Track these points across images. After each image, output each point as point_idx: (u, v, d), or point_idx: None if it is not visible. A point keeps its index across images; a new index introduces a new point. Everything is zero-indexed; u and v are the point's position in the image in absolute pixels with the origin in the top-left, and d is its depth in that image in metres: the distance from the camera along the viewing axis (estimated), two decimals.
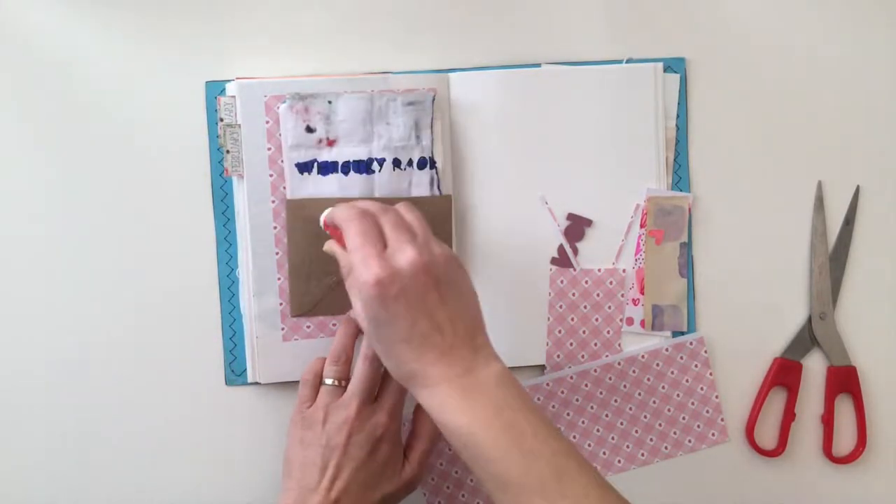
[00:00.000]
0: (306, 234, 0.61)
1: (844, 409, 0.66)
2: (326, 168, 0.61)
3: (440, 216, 0.62)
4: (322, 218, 0.56)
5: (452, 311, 0.50)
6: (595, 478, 0.48)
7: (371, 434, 0.55)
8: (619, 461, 0.65)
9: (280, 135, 0.60)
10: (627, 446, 0.65)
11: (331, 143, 0.61)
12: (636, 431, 0.65)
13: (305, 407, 0.57)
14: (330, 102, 0.60)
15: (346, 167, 0.61)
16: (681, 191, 0.65)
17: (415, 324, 0.49)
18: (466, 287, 0.52)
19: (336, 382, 0.57)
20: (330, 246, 0.56)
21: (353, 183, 0.61)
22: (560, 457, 0.47)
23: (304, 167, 0.61)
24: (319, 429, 0.55)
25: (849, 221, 0.66)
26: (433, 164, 0.61)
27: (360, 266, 0.49)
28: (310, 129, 0.60)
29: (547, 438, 0.48)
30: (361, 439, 0.55)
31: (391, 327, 0.49)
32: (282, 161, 0.60)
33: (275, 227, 0.61)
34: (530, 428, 0.48)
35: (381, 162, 0.61)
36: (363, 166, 0.61)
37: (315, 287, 0.61)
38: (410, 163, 0.61)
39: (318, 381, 0.58)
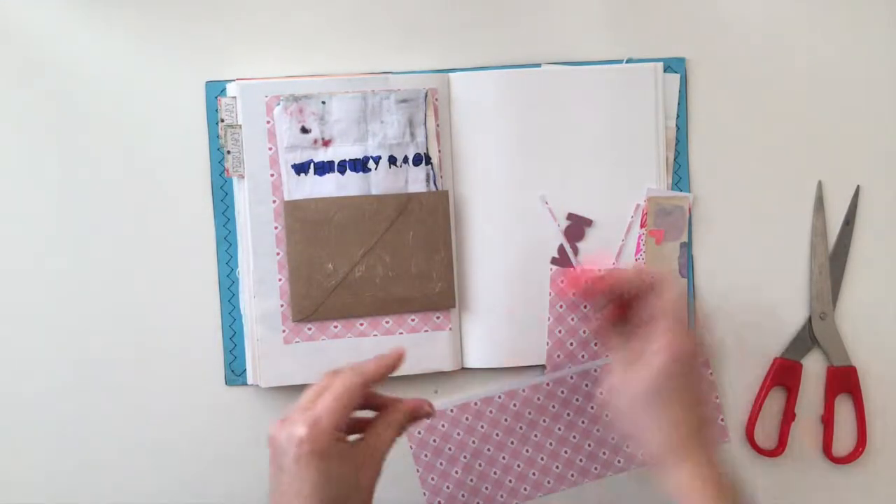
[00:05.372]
0: (305, 234, 0.61)
1: (844, 409, 0.66)
2: (323, 168, 0.61)
3: (437, 212, 0.62)
4: None
5: None
6: None
7: None
8: (619, 461, 0.65)
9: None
10: (627, 446, 0.65)
11: (326, 143, 0.61)
12: None
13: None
14: (324, 103, 0.60)
15: (343, 166, 0.61)
16: (681, 191, 0.65)
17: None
18: None
19: None
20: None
21: (350, 182, 0.61)
22: None
23: (300, 168, 0.61)
24: None
25: (849, 221, 0.66)
26: (428, 161, 0.62)
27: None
28: (305, 130, 0.60)
29: None
30: None
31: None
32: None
33: (276, 228, 0.61)
34: None
35: (376, 160, 0.61)
36: (359, 165, 0.61)
37: (316, 290, 0.61)
38: (406, 160, 0.61)
39: None
